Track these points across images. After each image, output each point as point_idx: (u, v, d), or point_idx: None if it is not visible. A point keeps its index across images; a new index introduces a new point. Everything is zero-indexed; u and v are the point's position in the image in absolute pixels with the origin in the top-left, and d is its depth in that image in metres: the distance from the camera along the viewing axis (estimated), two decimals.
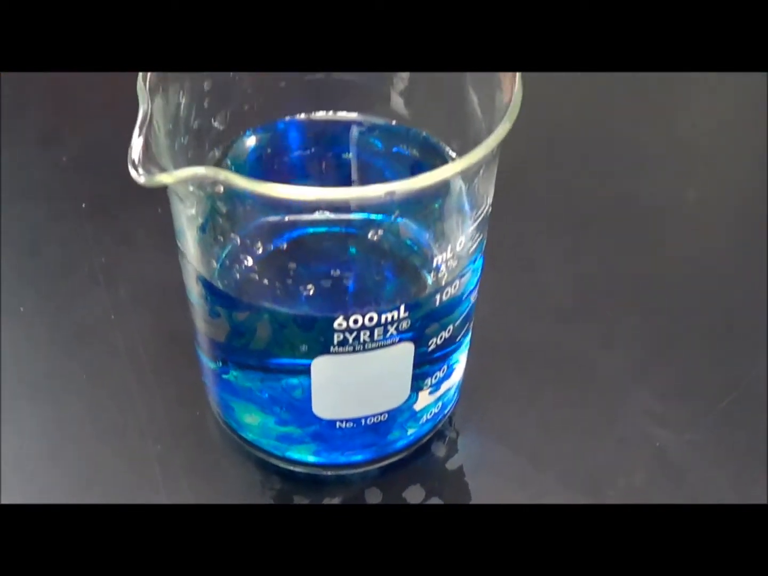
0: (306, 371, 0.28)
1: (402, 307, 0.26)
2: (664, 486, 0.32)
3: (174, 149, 0.28)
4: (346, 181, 0.32)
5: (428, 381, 0.30)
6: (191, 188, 0.25)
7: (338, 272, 0.28)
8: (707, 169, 0.45)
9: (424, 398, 0.30)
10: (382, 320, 0.26)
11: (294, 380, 0.29)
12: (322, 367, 0.27)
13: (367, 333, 0.27)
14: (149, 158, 0.24)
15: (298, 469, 0.32)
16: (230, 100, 0.30)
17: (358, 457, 0.31)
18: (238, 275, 0.29)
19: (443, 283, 0.27)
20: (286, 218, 0.29)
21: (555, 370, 0.35)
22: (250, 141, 0.32)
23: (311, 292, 0.28)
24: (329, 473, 0.32)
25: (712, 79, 0.50)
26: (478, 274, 0.29)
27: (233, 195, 0.24)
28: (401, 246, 0.30)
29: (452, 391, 0.32)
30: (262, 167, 0.32)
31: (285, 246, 0.29)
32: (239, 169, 0.31)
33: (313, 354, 0.27)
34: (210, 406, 0.33)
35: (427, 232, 0.30)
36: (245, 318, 0.28)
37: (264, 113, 0.31)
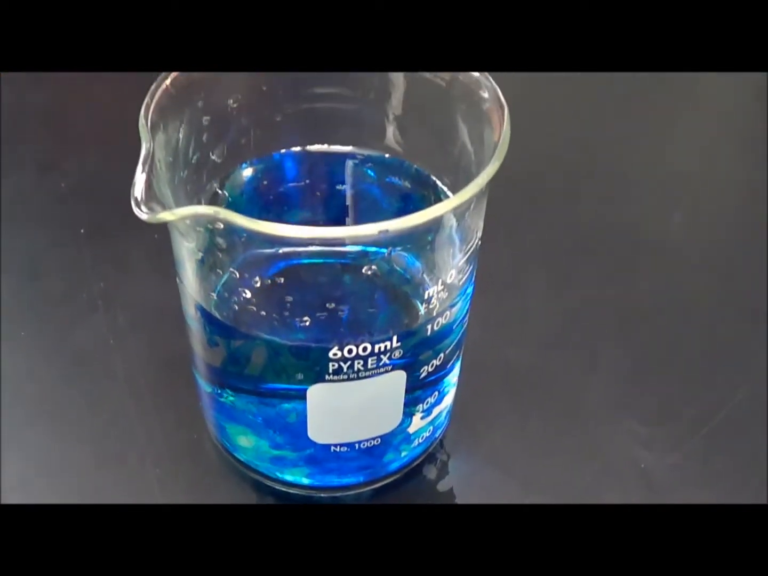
0: (301, 398, 0.29)
1: (395, 337, 0.27)
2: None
3: (174, 183, 0.29)
4: (341, 211, 0.33)
5: (420, 406, 0.31)
6: (190, 223, 0.26)
7: (333, 304, 0.29)
8: (692, 197, 0.46)
9: (416, 422, 0.31)
10: (376, 349, 0.27)
11: (289, 406, 0.29)
12: (317, 394, 0.28)
13: (361, 362, 0.27)
14: (152, 196, 0.25)
15: (292, 491, 0.32)
16: (228, 134, 0.31)
17: (352, 480, 0.32)
18: (236, 306, 0.30)
19: (434, 313, 0.28)
20: (283, 251, 0.29)
21: (543, 394, 0.36)
22: (247, 173, 0.33)
23: (307, 323, 0.29)
24: (323, 495, 0.33)
25: (699, 104, 0.51)
26: (468, 302, 0.30)
27: (232, 231, 0.25)
28: (394, 278, 0.31)
29: (444, 415, 0.33)
30: (258, 198, 0.33)
31: (281, 278, 0.30)
32: (236, 201, 0.32)
33: (308, 381, 0.28)
34: (207, 428, 0.34)
35: (419, 265, 0.31)
36: (242, 346, 0.29)
37: (260, 146, 0.32)
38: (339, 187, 0.33)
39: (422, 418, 0.31)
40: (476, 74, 0.28)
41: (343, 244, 0.26)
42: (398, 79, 0.31)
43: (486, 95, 0.28)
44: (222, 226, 0.25)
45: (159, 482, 0.33)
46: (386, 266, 0.30)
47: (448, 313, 0.28)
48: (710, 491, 0.33)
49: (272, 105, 0.32)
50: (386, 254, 0.29)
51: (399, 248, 0.29)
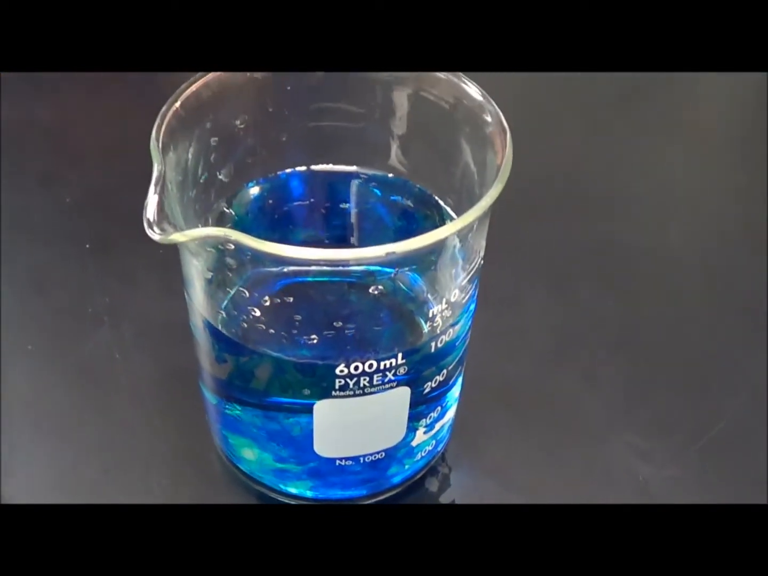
0: (308, 412, 0.29)
1: (400, 354, 0.28)
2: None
3: (183, 202, 0.29)
4: (345, 230, 0.34)
5: (423, 421, 0.31)
6: (200, 243, 0.27)
7: (341, 322, 0.30)
8: (689, 209, 0.47)
9: (419, 436, 0.32)
10: (381, 366, 0.28)
11: (295, 420, 0.30)
12: (323, 409, 0.29)
13: (367, 378, 0.28)
14: (164, 217, 0.26)
15: (295, 503, 0.33)
16: (235, 154, 0.32)
17: (356, 493, 0.33)
18: (244, 324, 0.30)
19: (438, 331, 0.29)
20: (290, 269, 0.30)
21: (542, 408, 0.37)
22: (253, 192, 0.33)
23: (315, 341, 0.30)
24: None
25: (699, 104, 0.52)
26: (471, 319, 0.31)
27: (242, 251, 0.26)
28: (399, 296, 0.32)
29: (446, 429, 0.33)
30: (263, 217, 0.34)
31: (290, 297, 0.31)
32: (242, 219, 0.33)
33: (315, 397, 0.29)
34: (212, 440, 0.34)
35: (423, 284, 0.31)
36: (250, 362, 0.30)
37: (266, 165, 0.33)
38: (343, 205, 0.34)
39: (425, 432, 0.32)
40: (480, 98, 0.29)
41: (350, 263, 0.26)
42: (402, 99, 0.31)
43: (489, 119, 0.29)
44: (232, 246, 0.26)
45: (164, 493, 0.33)
46: (392, 285, 0.31)
47: (451, 330, 0.29)
48: (710, 502, 0.34)
49: (278, 125, 0.32)
50: (392, 274, 0.30)
51: (405, 268, 0.30)
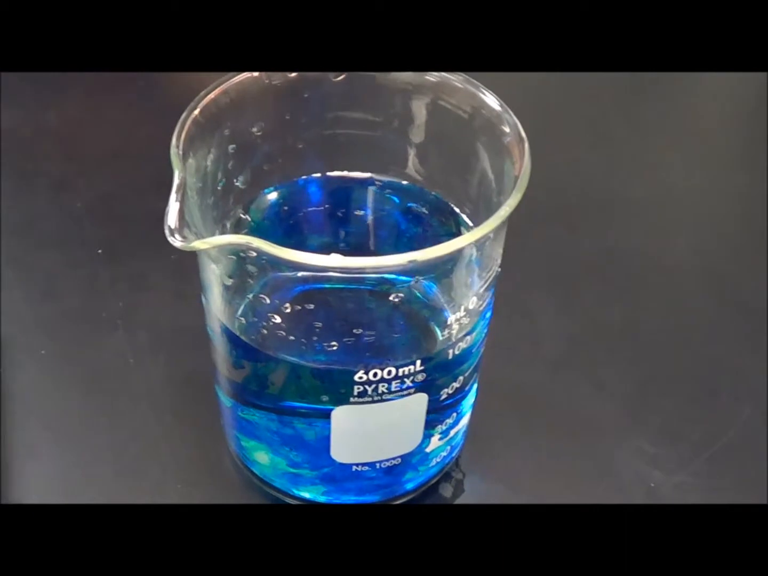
0: (325, 418, 0.29)
1: (418, 361, 0.28)
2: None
3: (202, 209, 0.29)
4: (361, 237, 0.34)
5: (439, 427, 0.31)
6: (221, 250, 0.27)
7: (360, 329, 0.30)
8: (694, 215, 0.47)
9: (434, 442, 0.32)
10: (400, 373, 0.28)
11: (312, 426, 0.30)
12: (341, 415, 0.29)
13: (385, 385, 0.28)
14: (185, 224, 0.26)
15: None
16: (252, 161, 0.32)
17: (370, 498, 0.33)
18: (264, 330, 0.31)
19: (456, 338, 0.29)
20: (309, 275, 0.30)
21: (553, 415, 0.37)
22: (270, 198, 0.33)
23: (335, 348, 0.30)
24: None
25: (699, 105, 0.52)
26: (487, 327, 0.31)
27: (263, 258, 0.26)
28: (418, 304, 0.32)
29: (460, 435, 0.34)
30: (280, 223, 0.34)
31: (309, 303, 0.31)
32: (259, 226, 0.33)
33: (333, 403, 0.29)
34: (226, 444, 0.35)
35: (441, 292, 0.31)
36: (268, 368, 0.30)
37: (283, 172, 0.33)
38: (359, 212, 0.34)
39: (440, 438, 0.32)
40: (498, 108, 0.29)
41: (374, 273, 0.27)
42: (420, 108, 0.32)
43: (507, 129, 0.29)
44: (254, 253, 0.26)
45: (176, 495, 0.34)
46: (410, 293, 0.31)
47: (468, 337, 0.29)
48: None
49: (295, 133, 0.33)
50: (412, 282, 0.30)
51: (424, 278, 0.30)
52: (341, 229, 0.34)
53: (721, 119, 0.54)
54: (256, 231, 0.32)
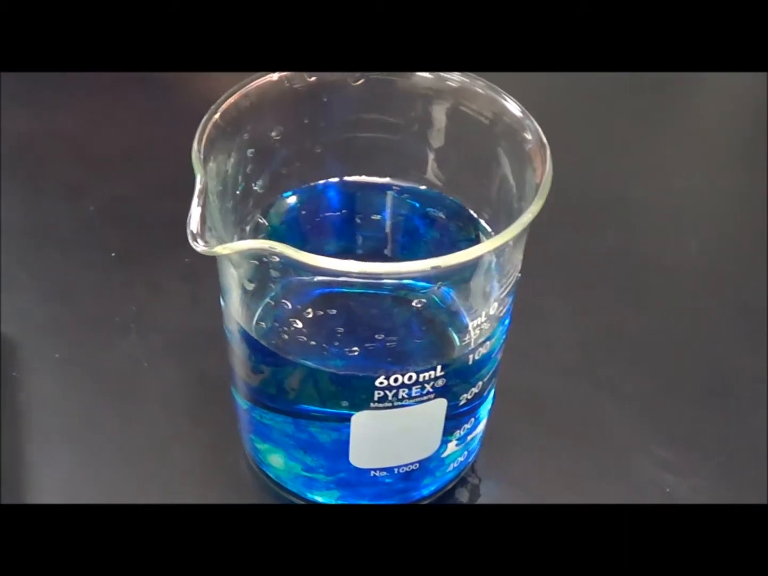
0: (344, 423, 0.29)
1: (438, 367, 0.28)
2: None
3: (222, 213, 0.29)
4: (379, 242, 0.34)
5: (457, 432, 0.31)
6: (243, 255, 0.27)
7: (382, 335, 0.30)
8: (706, 217, 0.47)
9: (452, 448, 0.32)
10: (420, 378, 0.28)
11: (330, 430, 0.30)
12: (361, 421, 0.29)
13: (406, 390, 0.28)
14: (207, 228, 0.26)
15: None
16: (270, 165, 0.32)
17: (385, 502, 0.33)
18: (285, 335, 0.31)
19: (476, 344, 0.29)
20: (329, 280, 0.30)
21: (568, 419, 0.37)
22: (288, 203, 0.33)
23: (356, 353, 0.30)
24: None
25: (699, 105, 0.52)
26: (505, 333, 0.31)
27: (286, 263, 0.26)
28: (439, 310, 0.32)
29: (477, 440, 0.34)
30: (298, 227, 0.34)
31: (330, 308, 0.31)
32: (277, 230, 0.33)
33: (353, 408, 0.29)
34: (242, 447, 0.35)
35: (461, 297, 0.31)
36: (288, 373, 0.30)
37: (301, 177, 0.33)
38: (376, 217, 0.34)
39: (458, 444, 0.32)
40: (519, 114, 0.29)
41: (396, 278, 0.27)
42: (441, 113, 0.32)
43: (529, 136, 0.29)
44: (276, 259, 0.26)
45: (191, 496, 0.34)
46: (432, 298, 0.31)
47: (488, 343, 0.29)
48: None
49: (313, 137, 0.33)
50: (434, 288, 0.30)
51: (445, 284, 0.30)
52: (359, 233, 0.34)
53: (720, 119, 0.54)
54: (274, 235, 0.32)
